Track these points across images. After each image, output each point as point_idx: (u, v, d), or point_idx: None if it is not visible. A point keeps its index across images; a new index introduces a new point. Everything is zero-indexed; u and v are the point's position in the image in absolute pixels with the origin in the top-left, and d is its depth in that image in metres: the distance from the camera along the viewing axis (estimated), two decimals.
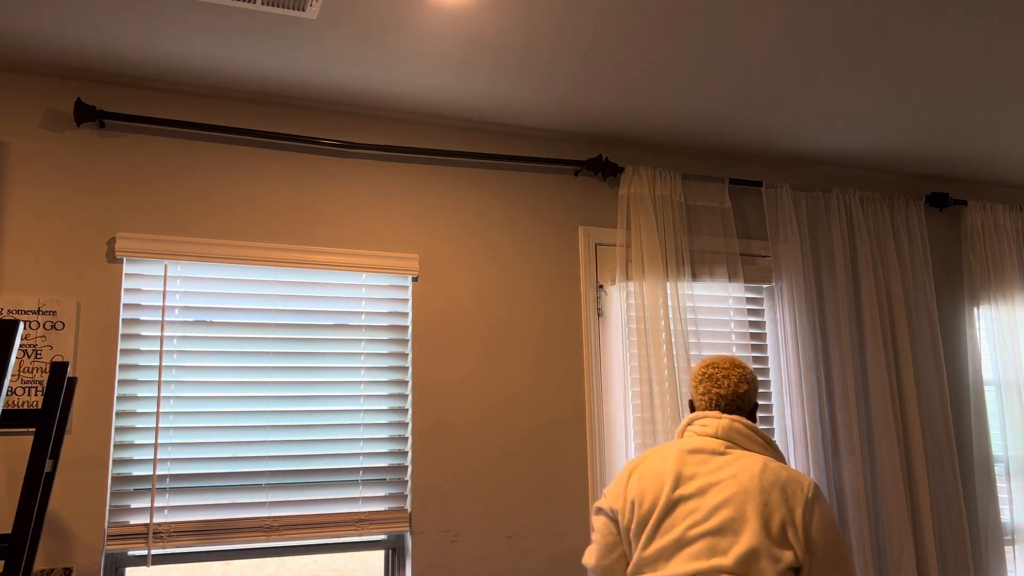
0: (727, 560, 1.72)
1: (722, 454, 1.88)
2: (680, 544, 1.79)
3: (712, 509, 1.79)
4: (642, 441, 3.07)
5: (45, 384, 2.35)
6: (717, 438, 1.91)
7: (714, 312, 3.32)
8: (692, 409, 2.09)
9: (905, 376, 3.43)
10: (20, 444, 2.42)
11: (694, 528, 1.78)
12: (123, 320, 2.59)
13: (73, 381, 2.03)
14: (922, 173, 3.79)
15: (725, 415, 1.94)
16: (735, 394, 2.00)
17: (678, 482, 1.85)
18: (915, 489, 3.33)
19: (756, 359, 3.41)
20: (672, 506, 1.83)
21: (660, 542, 1.81)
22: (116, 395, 2.54)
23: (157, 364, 2.60)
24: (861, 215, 3.53)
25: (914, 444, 3.36)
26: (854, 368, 3.34)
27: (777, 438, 3.34)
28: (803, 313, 3.35)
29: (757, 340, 3.42)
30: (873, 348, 3.38)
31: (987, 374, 3.71)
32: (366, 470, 2.78)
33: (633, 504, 1.89)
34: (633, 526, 1.88)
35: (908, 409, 3.40)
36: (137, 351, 2.60)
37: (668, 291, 3.16)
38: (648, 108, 2.98)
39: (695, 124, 3.15)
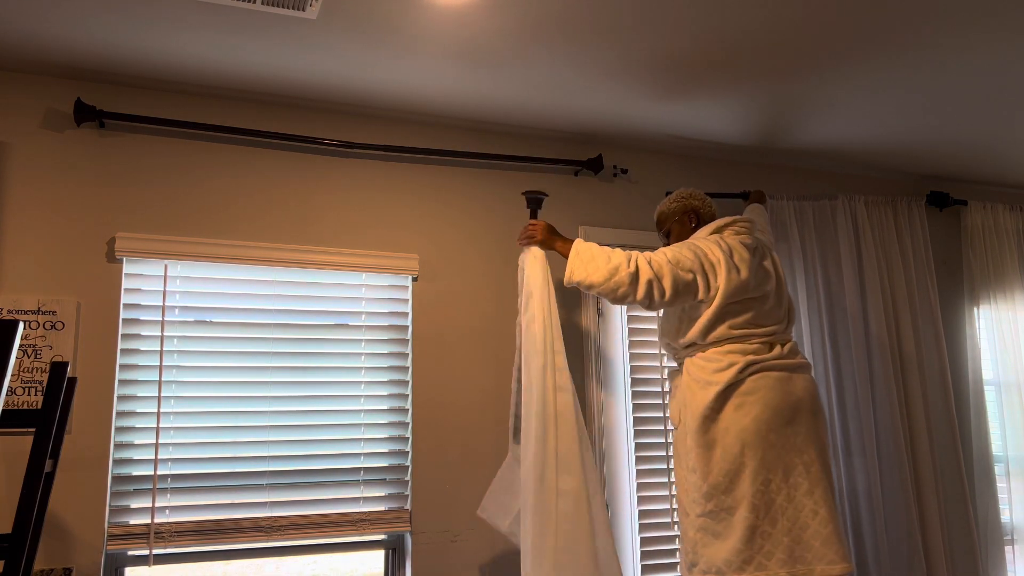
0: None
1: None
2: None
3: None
4: (643, 441, 3.07)
5: (45, 384, 2.35)
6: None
7: None
8: (698, 218, 2.68)
9: (910, 377, 3.41)
10: (20, 444, 2.42)
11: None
12: (123, 320, 2.59)
13: (73, 381, 2.03)
14: (922, 173, 3.78)
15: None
16: None
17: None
18: (922, 489, 3.31)
19: None
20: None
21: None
22: (116, 395, 2.54)
23: (157, 364, 2.60)
24: (866, 219, 3.50)
25: (919, 445, 3.34)
26: (862, 371, 3.32)
27: None
28: (813, 315, 3.34)
29: None
30: (880, 350, 3.36)
31: (987, 374, 3.70)
32: (366, 470, 2.77)
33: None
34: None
35: (913, 410, 3.38)
36: (137, 351, 2.60)
37: None
38: (649, 108, 2.98)
39: (695, 126, 3.15)
